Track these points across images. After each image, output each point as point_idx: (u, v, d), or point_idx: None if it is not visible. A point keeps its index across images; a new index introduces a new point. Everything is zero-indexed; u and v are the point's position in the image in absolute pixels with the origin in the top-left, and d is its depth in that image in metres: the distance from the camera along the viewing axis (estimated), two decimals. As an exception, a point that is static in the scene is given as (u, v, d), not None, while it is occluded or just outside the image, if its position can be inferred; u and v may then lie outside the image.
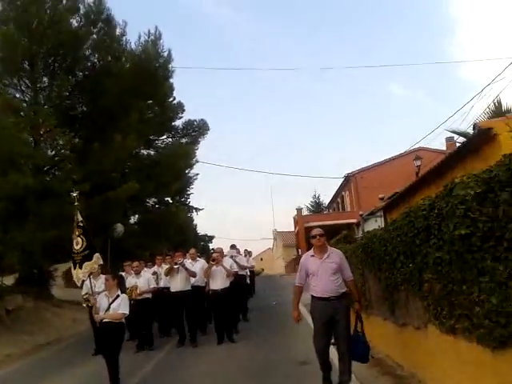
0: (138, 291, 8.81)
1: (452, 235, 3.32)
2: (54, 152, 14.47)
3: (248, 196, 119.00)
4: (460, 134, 11.96)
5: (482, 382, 3.30)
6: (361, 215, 15.84)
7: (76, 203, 7.05)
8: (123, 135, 13.97)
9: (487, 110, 9.95)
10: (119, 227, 15.89)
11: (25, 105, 14.44)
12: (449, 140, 18.21)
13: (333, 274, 4.84)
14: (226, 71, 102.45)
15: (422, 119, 75.98)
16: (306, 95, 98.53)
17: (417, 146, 23.18)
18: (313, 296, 5.00)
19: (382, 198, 14.55)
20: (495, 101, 9.90)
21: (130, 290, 8.57)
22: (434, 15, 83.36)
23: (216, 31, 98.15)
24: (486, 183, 2.90)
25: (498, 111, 9.39)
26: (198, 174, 23.15)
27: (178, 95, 21.84)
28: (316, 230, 5.06)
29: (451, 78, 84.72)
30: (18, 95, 14.93)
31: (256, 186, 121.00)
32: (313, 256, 4.99)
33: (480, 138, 6.90)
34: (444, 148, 20.04)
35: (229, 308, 8.66)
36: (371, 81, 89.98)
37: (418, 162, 16.82)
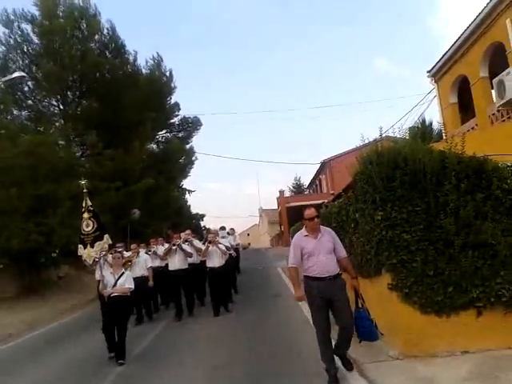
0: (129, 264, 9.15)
1: (334, 222, 7.64)
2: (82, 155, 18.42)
3: (236, 177, 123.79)
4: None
5: (373, 289, 5.89)
6: (322, 203, 20.12)
7: (85, 190, 7.37)
8: (140, 141, 17.99)
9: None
10: (136, 212, 19.74)
11: (62, 120, 18.34)
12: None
13: (329, 253, 4.70)
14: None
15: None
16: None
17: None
18: (308, 276, 4.75)
19: (332, 194, 18.92)
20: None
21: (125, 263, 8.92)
22: None
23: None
24: (339, 207, 7.24)
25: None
26: (194, 164, 26.80)
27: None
28: (310, 211, 4.75)
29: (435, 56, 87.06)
30: (55, 111, 18.80)
31: (243, 169, 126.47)
32: (306, 236, 4.79)
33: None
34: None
35: (225, 283, 9.62)
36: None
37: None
